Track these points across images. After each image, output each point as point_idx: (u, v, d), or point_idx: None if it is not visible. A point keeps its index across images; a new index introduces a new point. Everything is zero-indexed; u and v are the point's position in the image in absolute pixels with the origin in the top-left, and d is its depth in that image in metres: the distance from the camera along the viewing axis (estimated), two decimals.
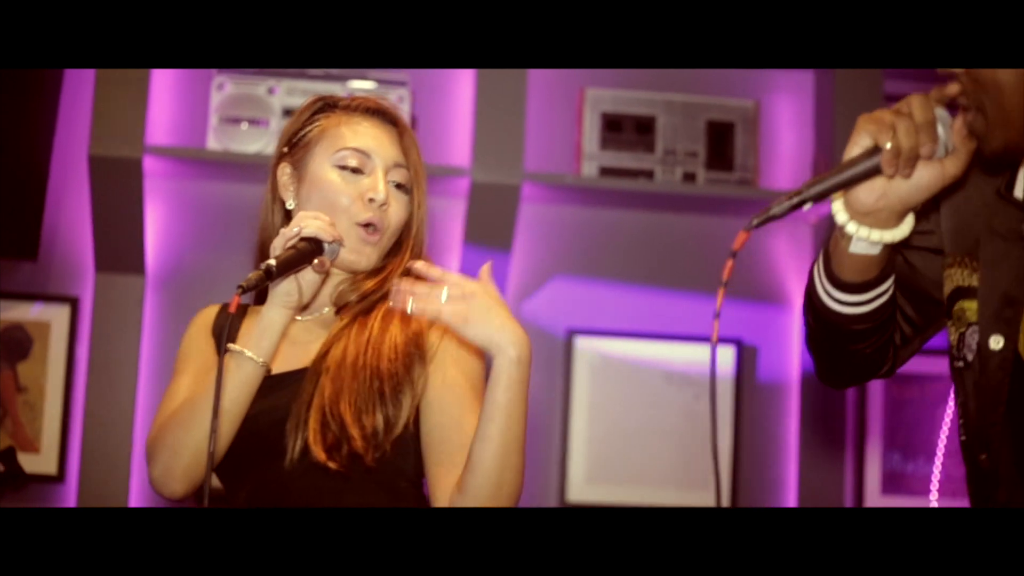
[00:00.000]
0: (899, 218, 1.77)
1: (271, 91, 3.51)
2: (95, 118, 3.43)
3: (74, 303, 3.61)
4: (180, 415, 2.09)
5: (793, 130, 3.93)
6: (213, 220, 3.64)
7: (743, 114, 3.71)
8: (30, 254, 3.52)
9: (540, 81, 3.80)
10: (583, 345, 3.76)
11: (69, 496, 3.58)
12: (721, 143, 3.69)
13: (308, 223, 2.09)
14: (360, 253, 2.20)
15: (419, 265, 2.02)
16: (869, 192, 1.74)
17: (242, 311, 2.29)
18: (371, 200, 2.19)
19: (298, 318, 2.21)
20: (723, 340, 3.79)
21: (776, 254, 3.88)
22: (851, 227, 1.78)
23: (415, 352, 2.15)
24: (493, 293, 2.02)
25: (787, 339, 3.87)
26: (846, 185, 1.74)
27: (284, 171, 2.26)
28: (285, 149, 2.27)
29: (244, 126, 3.48)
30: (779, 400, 3.84)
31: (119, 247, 3.53)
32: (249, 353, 2.09)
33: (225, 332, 1.98)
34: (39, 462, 3.55)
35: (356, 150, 2.21)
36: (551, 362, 3.77)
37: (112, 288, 3.58)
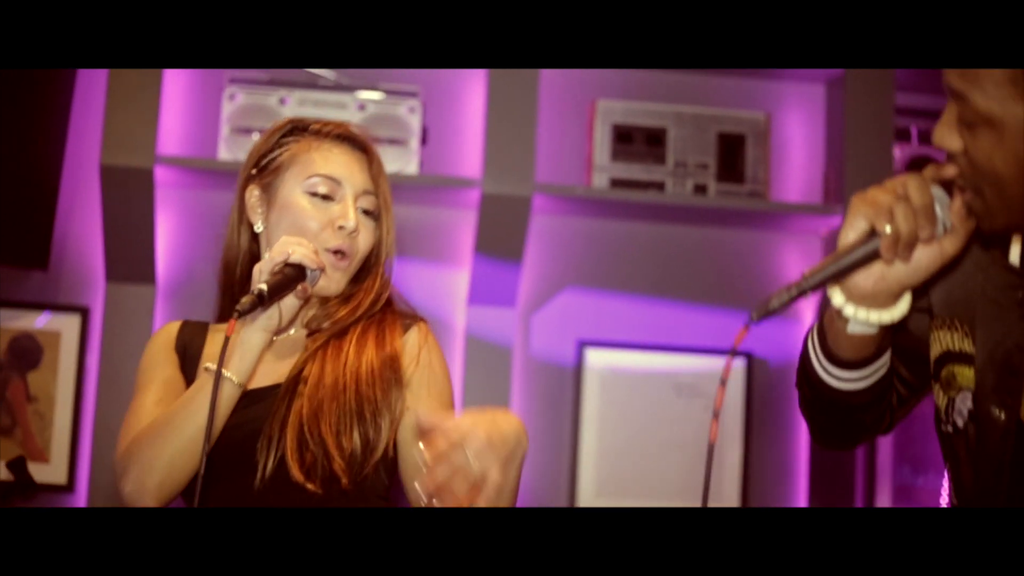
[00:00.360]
0: (896, 298, 1.75)
1: (282, 102, 3.51)
2: (106, 128, 3.43)
3: (84, 313, 3.61)
4: (153, 432, 2.10)
5: (804, 142, 3.93)
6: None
7: (754, 126, 3.71)
8: (41, 263, 3.52)
9: (551, 92, 3.80)
10: (593, 357, 3.76)
11: (78, 505, 3.58)
12: (732, 155, 3.69)
13: (295, 249, 2.11)
14: (330, 279, 2.23)
15: (423, 422, 1.85)
16: (866, 276, 1.73)
17: (202, 328, 2.32)
18: (341, 227, 2.22)
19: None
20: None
21: (786, 267, 3.87)
22: (848, 310, 1.76)
23: (391, 376, 2.18)
24: (487, 415, 1.88)
25: (797, 352, 3.86)
26: (845, 273, 1.72)
27: (252, 193, 2.29)
28: (253, 171, 2.29)
29: (255, 136, 3.48)
30: (789, 413, 3.84)
31: (130, 257, 3.53)
32: (229, 374, 2.10)
33: (222, 353, 1.98)
34: (49, 472, 3.55)
35: (327, 177, 2.24)
36: (561, 374, 3.77)
37: (123, 298, 3.58)
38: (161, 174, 3.49)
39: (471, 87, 3.77)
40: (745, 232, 3.86)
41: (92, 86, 3.63)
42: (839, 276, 1.72)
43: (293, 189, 2.23)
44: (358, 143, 2.30)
